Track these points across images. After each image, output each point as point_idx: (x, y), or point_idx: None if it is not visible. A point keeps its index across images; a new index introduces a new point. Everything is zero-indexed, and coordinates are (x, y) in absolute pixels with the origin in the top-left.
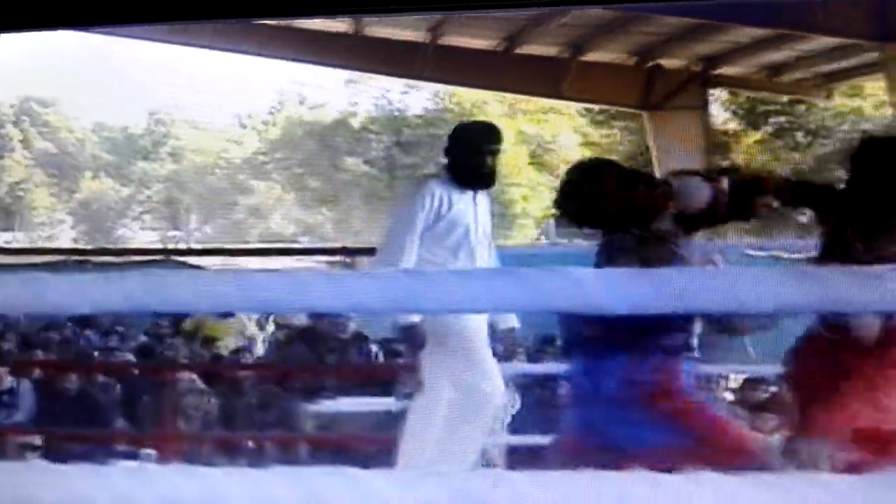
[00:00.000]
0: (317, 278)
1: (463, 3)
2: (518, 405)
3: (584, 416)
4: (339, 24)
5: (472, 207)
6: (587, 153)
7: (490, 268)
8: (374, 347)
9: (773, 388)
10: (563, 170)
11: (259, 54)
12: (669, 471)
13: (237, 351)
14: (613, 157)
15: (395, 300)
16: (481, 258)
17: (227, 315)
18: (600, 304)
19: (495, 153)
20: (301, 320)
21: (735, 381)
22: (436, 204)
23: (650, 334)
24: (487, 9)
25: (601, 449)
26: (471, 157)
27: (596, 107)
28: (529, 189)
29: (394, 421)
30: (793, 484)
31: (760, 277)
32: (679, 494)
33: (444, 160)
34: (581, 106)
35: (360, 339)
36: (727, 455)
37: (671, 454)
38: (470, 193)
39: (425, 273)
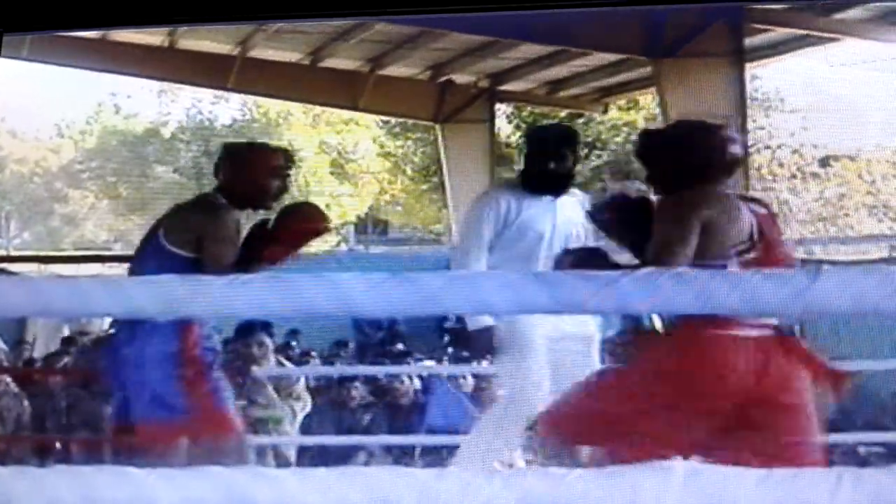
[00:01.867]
0: (96, 284)
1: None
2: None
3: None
4: (154, 38)
5: (547, 213)
6: (385, 163)
7: (259, 275)
8: None
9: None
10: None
11: (80, 66)
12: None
13: (52, 355)
14: (408, 168)
15: (169, 304)
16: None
17: None
18: (361, 308)
19: (564, 158)
20: (104, 325)
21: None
22: (503, 210)
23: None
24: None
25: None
26: (539, 161)
27: (393, 119)
28: (331, 197)
29: None
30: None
31: (506, 281)
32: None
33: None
34: (379, 118)
35: None
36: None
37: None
38: (545, 199)
39: (198, 279)
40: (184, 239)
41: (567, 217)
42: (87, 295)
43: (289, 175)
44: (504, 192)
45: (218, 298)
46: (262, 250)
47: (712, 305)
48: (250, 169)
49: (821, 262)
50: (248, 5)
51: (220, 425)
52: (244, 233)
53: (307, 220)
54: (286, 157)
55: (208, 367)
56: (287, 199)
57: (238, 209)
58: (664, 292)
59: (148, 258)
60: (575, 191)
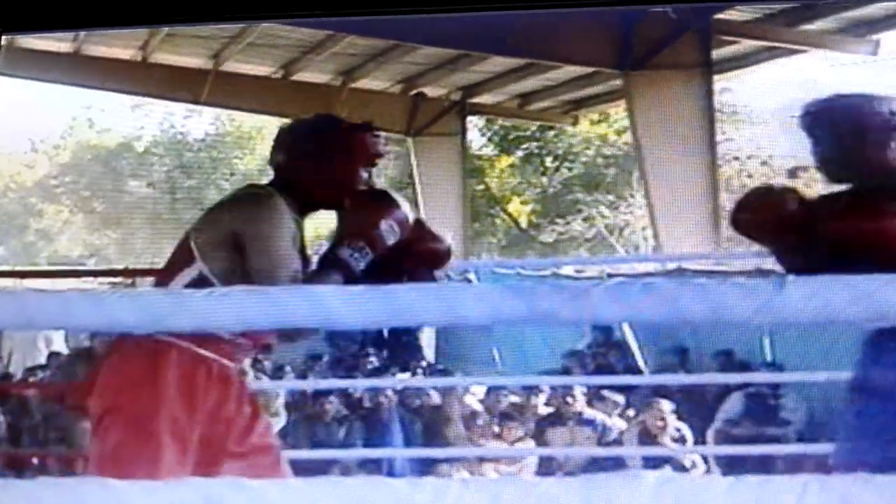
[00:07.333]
0: (80, 298)
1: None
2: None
3: None
4: (126, 52)
5: None
6: None
7: (238, 288)
8: None
9: (517, 398)
10: None
11: (53, 81)
12: None
13: (31, 369)
14: (380, 181)
15: (149, 318)
16: None
17: None
18: (340, 320)
19: None
20: (79, 340)
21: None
22: None
23: None
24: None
25: None
26: None
27: None
28: None
29: None
30: None
31: (481, 293)
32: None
33: None
34: None
35: None
36: None
37: None
38: None
39: (178, 293)
40: None
41: None
42: (70, 308)
43: None
44: None
45: (199, 311)
46: None
47: (680, 314)
48: None
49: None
50: (245, 5)
51: None
52: None
53: None
54: None
55: None
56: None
57: None
58: (633, 302)
59: None
60: None
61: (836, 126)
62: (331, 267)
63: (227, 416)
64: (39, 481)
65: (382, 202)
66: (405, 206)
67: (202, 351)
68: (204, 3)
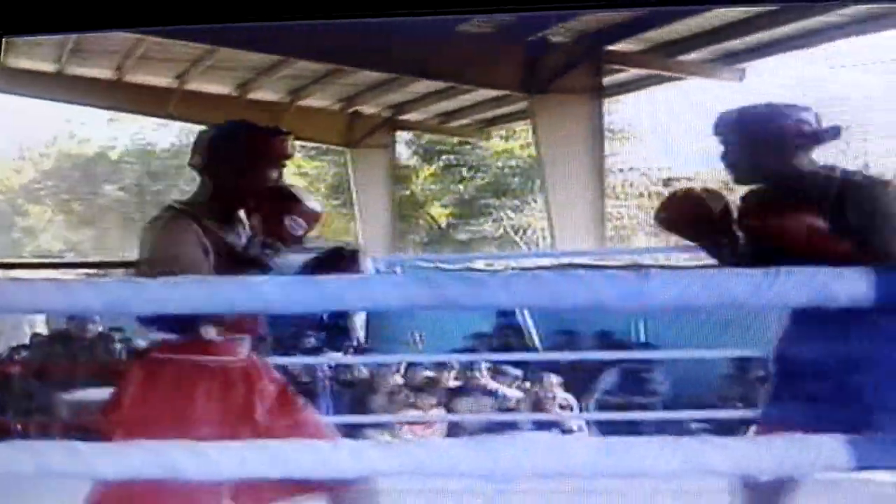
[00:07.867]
0: (54, 287)
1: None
2: None
3: None
4: (104, 72)
5: None
6: (302, 182)
7: (188, 278)
8: (118, 346)
9: (431, 373)
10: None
11: (39, 97)
12: None
13: (15, 349)
14: (321, 186)
15: (111, 304)
16: None
17: None
18: (274, 306)
19: None
20: (58, 324)
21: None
22: None
23: None
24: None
25: None
26: None
27: (309, 143)
28: None
29: None
30: None
31: (395, 283)
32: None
33: None
34: (298, 143)
35: (107, 338)
36: None
37: None
38: None
39: (136, 282)
40: None
41: None
42: (42, 294)
43: None
44: None
45: (154, 298)
46: None
47: (561, 300)
48: None
49: (663, 266)
50: (243, 6)
51: None
52: None
53: None
54: None
55: None
56: None
57: None
58: (523, 290)
59: None
60: None
61: (744, 133)
62: (245, 265)
63: (250, 405)
64: (13, 444)
65: (284, 198)
66: (309, 201)
67: (206, 358)
68: (202, 5)
